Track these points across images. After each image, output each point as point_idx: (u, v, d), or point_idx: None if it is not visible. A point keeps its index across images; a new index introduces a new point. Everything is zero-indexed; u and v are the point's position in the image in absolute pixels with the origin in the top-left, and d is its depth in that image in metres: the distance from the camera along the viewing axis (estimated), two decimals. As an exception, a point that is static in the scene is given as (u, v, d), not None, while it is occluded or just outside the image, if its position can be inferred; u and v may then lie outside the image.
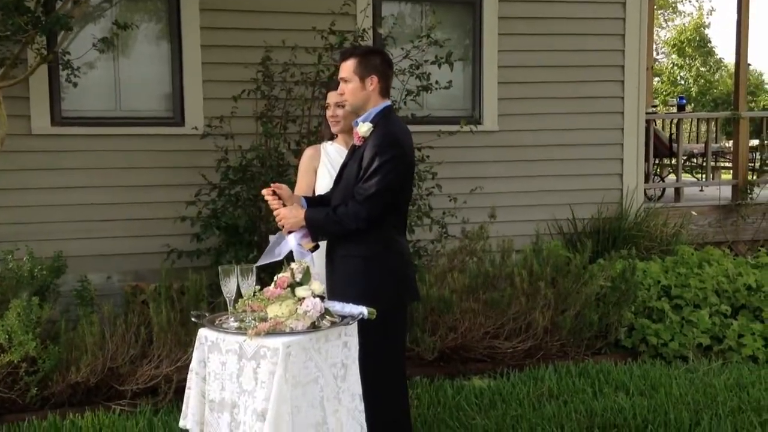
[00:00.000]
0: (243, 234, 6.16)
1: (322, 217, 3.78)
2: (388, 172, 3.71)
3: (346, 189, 3.82)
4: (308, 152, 4.49)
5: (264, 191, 3.91)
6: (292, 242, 3.76)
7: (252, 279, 3.79)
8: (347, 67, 3.87)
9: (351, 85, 3.86)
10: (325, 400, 3.56)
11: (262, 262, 3.85)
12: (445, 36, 7.28)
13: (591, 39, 8.50)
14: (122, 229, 7.20)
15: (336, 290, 3.75)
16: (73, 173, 7.08)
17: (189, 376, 3.67)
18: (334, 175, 4.24)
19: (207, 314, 3.87)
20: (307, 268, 3.63)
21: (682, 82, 43.61)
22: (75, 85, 6.41)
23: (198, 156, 7.13)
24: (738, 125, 9.75)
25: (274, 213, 3.89)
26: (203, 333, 3.63)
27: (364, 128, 3.83)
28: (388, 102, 3.94)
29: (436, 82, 6.74)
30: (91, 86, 6.68)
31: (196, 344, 3.65)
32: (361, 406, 3.65)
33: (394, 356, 3.92)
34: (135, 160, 7.21)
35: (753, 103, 40.13)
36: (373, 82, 3.84)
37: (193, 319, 3.86)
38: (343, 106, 4.16)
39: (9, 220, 6.88)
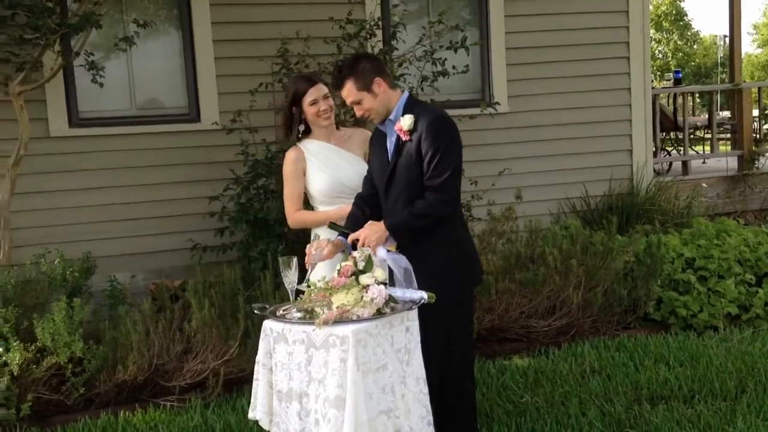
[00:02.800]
0: (273, 226, 6.18)
1: (405, 219, 3.80)
2: (453, 150, 3.79)
3: (409, 184, 3.85)
4: (291, 155, 4.42)
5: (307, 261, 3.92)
6: (382, 254, 3.77)
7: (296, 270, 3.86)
8: (349, 91, 3.90)
9: (366, 101, 3.90)
10: (394, 385, 3.63)
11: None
12: (452, 21, 7.32)
13: (596, 17, 8.58)
14: (144, 228, 7.23)
15: (424, 282, 3.76)
16: (93, 174, 7.10)
17: (256, 368, 3.72)
18: (329, 171, 4.30)
19: (267, 306, 3.91)
20: (369, 255, 3.67)
21: (660, 56, 43.85)
22: (101, 85, 6.42)
23: (215, 151, 7.18)
24: (741, 96, 9.86)
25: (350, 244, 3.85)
26: (268, 324, 3.67)
27: (407, 121, 3.86)
28: (405, 91, 4.02)
29: (453, 67, 6.79)
30: (106, 86, 6.66)
31: (261, 336, 3.69)
32: (426, 389, 3.72)
33: (470, 340, 4.01)
34: (153, 158, 7.23)
35: (724, 75, 40.45)
36: (379, 84, 3.89)
37: (255, 312, 3.90)
38: (329, 97, 4.26)
39: (32, 223, 6.89)
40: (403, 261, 3.68)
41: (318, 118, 4.33)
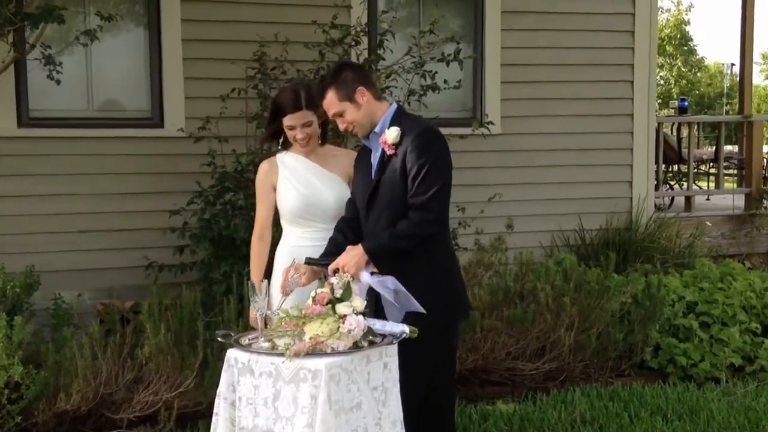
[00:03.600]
0: (239, 246, 6.13)
1: (386, 241, 3.80)
2: (440, 165, 3.80)
3: (392, 202, 3.85)
4: (263, 167, 4.46)
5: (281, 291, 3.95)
6: (366, 279, 3.75)
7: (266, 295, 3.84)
8: (330, 102, 3.93)
9: (348, 113, 3.92)
10: (368, 427, 3.59)
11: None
12: (444, 32, 7.34)
13: (599, 36, 8.67)
14: (95, 242, 7.16)
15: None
16: (41, 180, 7.03)
17: (216, 401, 3.69)
18: (301, 189, 4.30)
19: (232, 334, 3.87)
20: (348, 282, 3.66)
21: (662, 82, 44.31)
22: (58, 82, 6.36)
23: (179, 161, 7.15)
24: (750, 129, 9.96)
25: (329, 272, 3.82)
26: (233, 354, 3.64)
27: (393, 134, 3.87)
28: (393, 103, 4.05)
29: (445, 82, 6.81)
30: (61, 84, 6.60)
31: (225, 366, 3.66)
32: (403, 433, 3.69)
33: (453, 372, 4.00)
34: (109, 165, 7.18)
35: (728, 106, 40.96)
36: (363, 94, 3.91)
37: (219, 339, 3.88)
38: (310, 125, 4.26)
39: (-30, 231, 6.79)
40: (391, 282, 3.67)
41: (294, 141, 4.35)
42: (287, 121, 4.28)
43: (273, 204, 4.41)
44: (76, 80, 7.17)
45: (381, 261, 3.76)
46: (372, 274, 3.74)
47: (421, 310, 3.64)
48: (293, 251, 4.28)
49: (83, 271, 7.09)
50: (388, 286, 3.67)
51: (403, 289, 3.65)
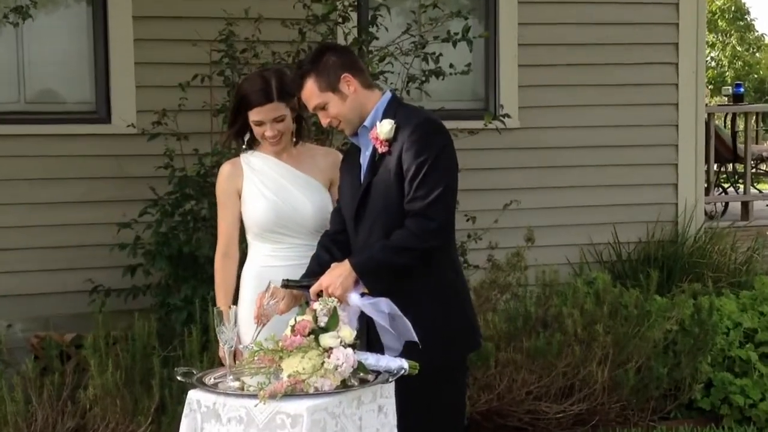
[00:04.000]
0: (203, 265, 6.15)
1: (378, 255, 3.79)
2: (443, 164, 3.80)
3: (387, 210, 3.87)
4: (225, 170, 4.46)
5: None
6: (355, 301, 3.76)
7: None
8: (311, 92, 3.93)
9: (332, 105, 3.92)
10: (360, 485, 3.61)
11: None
12: (450, 6, 7.38)
13: (636, 9, 8.72)
14: (26, 262, 7.17)
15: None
16: (-37, 186, 7.06)
17: (176, 455, 3.70)
18: (270, 196, 4.31)
19: (195, 371, 3.89)
20: (334, 308, 3.67)
21: (714, 64, 44.42)
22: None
23: (130, 162, 7.19)
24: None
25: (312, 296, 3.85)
26: (195, 396, 3.66)
27: (385, 127, 3.87)
28: (386, 91, 4.05)
29: (451, 66, 6.84)
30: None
31: (185, 411, 3.68)
32: (402, 490, 3.70)
33: (461, 422, 4.01)
34: (44, 168, 7.21)
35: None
36: (350, 82, 3.92)
37: (179, 378, 3.88)
38: (282, 120, 4.26)
39: None
40: (386, 304, 3.67)
41: (262, 139, 4.36)
42: (254, 115, 4.28)
43: (239, 213, 4.42)
44: (5, 67, 7.21)
45: (372, 280, 3.76)
46: (362, 295, 3.75)
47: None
48: (262, 273, 4.29)
49: (12, 297, 7.10)
50: (381, 309, 3.68)
51: (400, 313, 3.66)
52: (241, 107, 4.34)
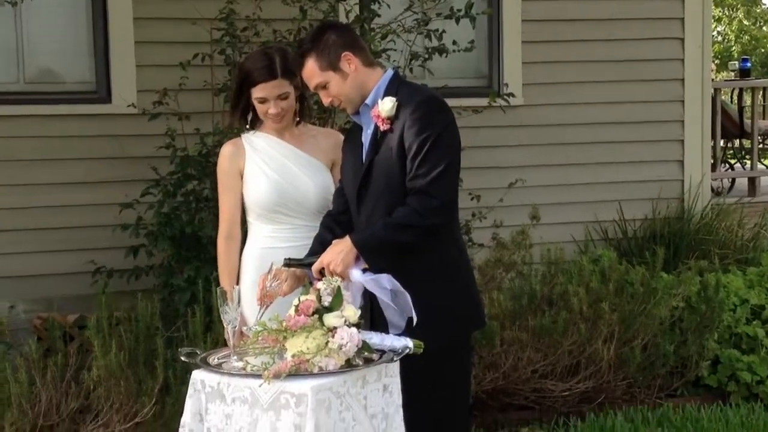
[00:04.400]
0: (206, 245, 6.16)
1: (379, 232, 3.80)
2: (446, 141, 3.82)
3: (389, 189, 3.87)
4: (227, 150, 4.46)
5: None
6: (357, 277, 3.77)
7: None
8: (311, 71, 3.95)
9: (333, 84, 3.94)
10: (366, 464, 3.62)
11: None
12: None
13: (642, -17, 8.68)
14: (29, 243, 7.18)
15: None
16: (-37, 167, 7.06)
17: (180, 434, 3.70)
18: (273, 176, 4.31)
19: (199, 351, 3.90)
20: (338, 288, 3.67)
21: (720, 39, 44.29)
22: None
23: (131, 143, 7.17)
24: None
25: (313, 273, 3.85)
26: (199, 377, 3.67)
27: (387, 105, 3.88)
28: (388, 69, 4.07)
29: (454, 43, 6.84)
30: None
31: (189, 392, 3.69)
32: (407, 468, 3.72)
33: (466, 402, 4.01)
34: (45, 149, 7.20)
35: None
36: (351, 60, 3.93)
37: (183, 358, 3.89)
38: (286, 97, 4.27)
39: None
40: (387, 280, 3.68)
41: (265, 117, 4.36)
42: (258, 92, 4.28)
43: (241, 193, 4.42)
44: (4, 46, 7.20)
45: (373, 257, 3.77)
46: (364, 271, 3.76)
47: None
48: (263, 254, 4.29)
49: (15, 278, 7.12)
50: (383, 285, 3.69)
51: (402, 288, 3.67)
52: (244, 84, 4.33)
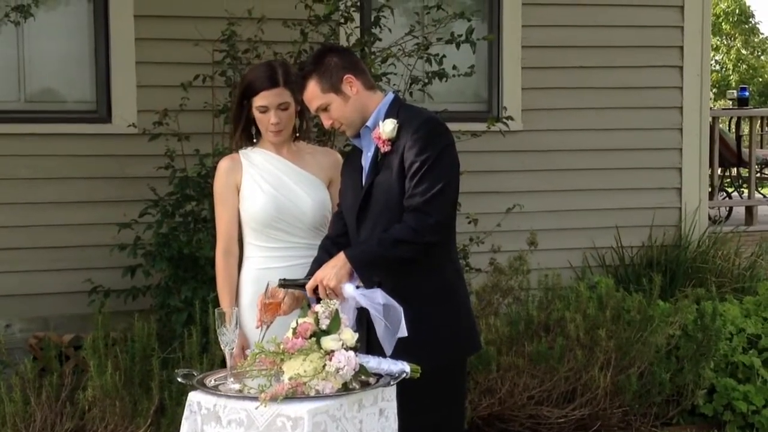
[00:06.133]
0: (204, 266, 6.16)
1: (373, 247, 3.82)
2: (445, 162, 3.84)
3: (389, 210, 3.89)
4: (224, 165, 4.45)
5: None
6: (350, 292, 3.77)
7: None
8: (313, 93, 3.97)
9: (334, 106, 3.95)
10: (362, 490, 3.61)
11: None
12: (453, 7, 7.39)
13: (641, 11, 8.72)
14: (25, 261, 7.17)
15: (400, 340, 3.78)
16: (-39, 185, 7.06)
17: (176, 456, 3.70)
18: (270, 190, 4.31)
19: (195, 373, 3.90)
20: (336, 311, 3.67)
21: (718, 67, 44.42)
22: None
23: (130, 163, 7.19)
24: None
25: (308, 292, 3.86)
26: (195, 398, 3.66)
27: (388, 127, 3.91)
28: (389, 93, 4.10)
29: (454, 67, 6.86)
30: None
31: (186, 413, 3.68)
32: (402, 496, 3.71)
33: (461, 428, 4.01)
34: (44, 168, 7.21)
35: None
36: (352, 83, 3.95)
37: (179, 380, 3.89)
38: (287, 108, 4.27)
39: None
40: (380, 295, 3.68)
41: (265, 130, 4.35)
42: (260, 100, 4.27)
43: (238, 209, 4.41)
44: (6, 65, 7.21)
45: (367, 272, 3.78)
46: (358, 287, 3.76)
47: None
48: (259, 276, 4.28)
49: (11, 297, 7.10)
50: (377, 300, 3.69)
51: (395, 303, 3.66)
52: (246, 94, 4.33)
